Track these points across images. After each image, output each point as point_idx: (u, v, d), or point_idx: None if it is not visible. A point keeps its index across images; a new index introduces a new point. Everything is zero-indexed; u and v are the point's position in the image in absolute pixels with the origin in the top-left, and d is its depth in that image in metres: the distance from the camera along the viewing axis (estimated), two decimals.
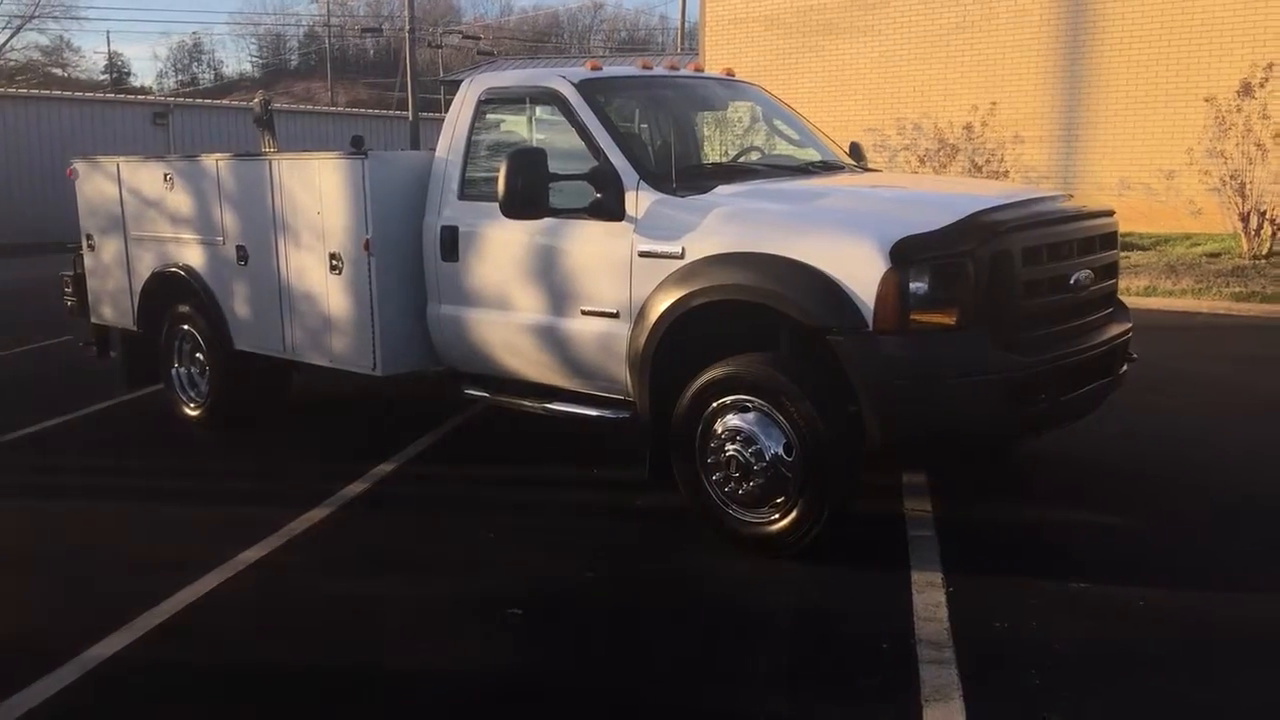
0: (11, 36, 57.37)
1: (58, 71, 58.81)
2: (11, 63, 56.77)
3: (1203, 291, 11.33)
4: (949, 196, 5.16)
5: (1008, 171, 15.28)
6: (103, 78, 62.29)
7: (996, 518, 5.00)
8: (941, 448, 5.01)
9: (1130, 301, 5.75)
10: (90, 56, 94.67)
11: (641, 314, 4.77)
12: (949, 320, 4.21)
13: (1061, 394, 4.50)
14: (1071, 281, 4.64)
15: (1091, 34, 15.57)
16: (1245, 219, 13.01)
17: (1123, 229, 5.28)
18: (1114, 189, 14.87)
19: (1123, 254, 5.45)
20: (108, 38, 74.91)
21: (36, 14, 56.93)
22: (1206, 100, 13.46)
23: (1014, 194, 5.13)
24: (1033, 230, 4.50)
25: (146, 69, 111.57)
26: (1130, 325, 5.18)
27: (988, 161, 15.18)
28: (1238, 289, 11.23)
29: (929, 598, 4.06)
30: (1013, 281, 4.34)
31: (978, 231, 4.32)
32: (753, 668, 3.62)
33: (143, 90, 60.89)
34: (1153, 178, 14.94)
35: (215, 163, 6.59)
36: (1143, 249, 13.75)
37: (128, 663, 3.78)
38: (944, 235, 4.27)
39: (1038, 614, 3.90)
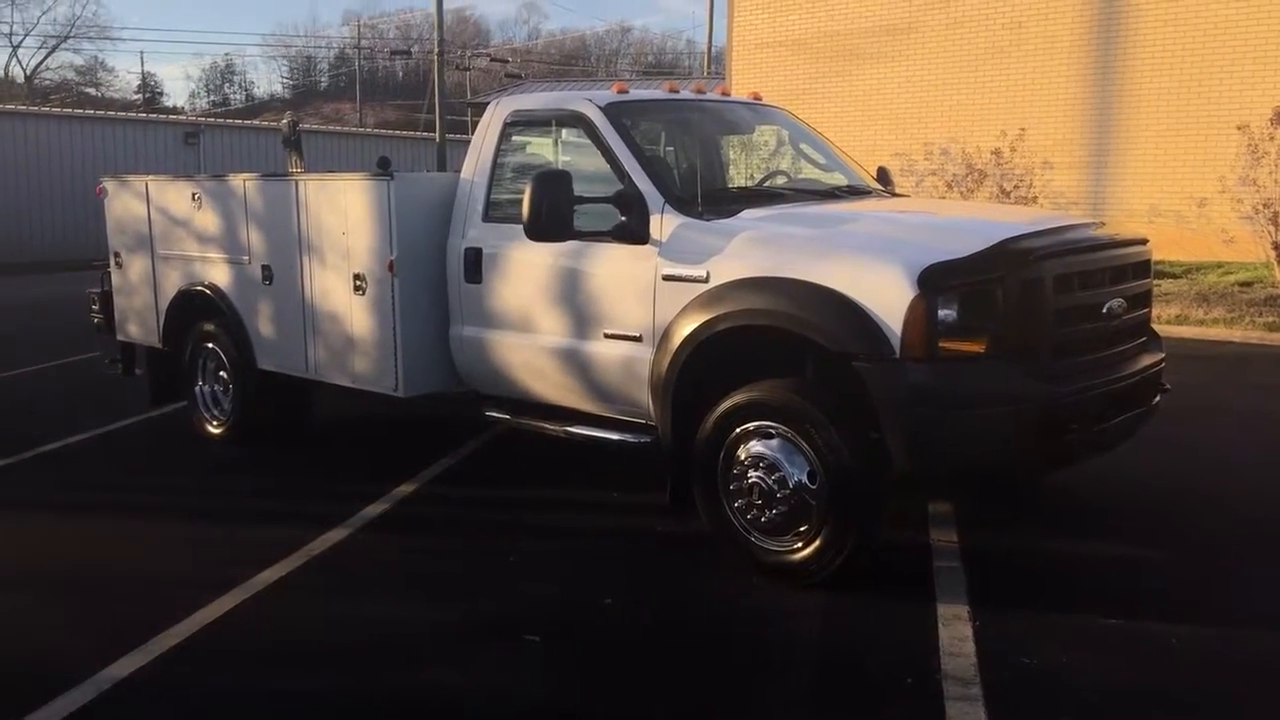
0: (47, 56, 58.42)
1: (92, 91, 59.73)
2: (47, 82, 57.76)
3: (1235, 321, 11.18)
4: (978, 222, 5.10)
5: (1036, 197, 15.15)
6: (136, 97, 63.15)
7: (1025, 549, 4.91)
8: (969, 478, 4.93)
9: (1161, 330, 5.65)
10: (124, 76, 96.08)
11: (665, 338, 4.73)
12: (978, 348, 4.15)
13: (1092, 424, 4.42)
14: (1103, 310, 4.56)
15: (1122, 60, 15.48)
16: (1278, 248, 12.85)
17: (1153, 256, 5.20)
18: (1144, 216, 14.72)
19: (1154, 282, 5.36)
20: (141, 58, 76.11)
21: (72, 34, 58.05)
22: (1239, 128, 13.31)
23: (1045, 220, 5.07)
24: (1064, 257, 4.43)
25: (179, 89, 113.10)
26: (1163, 355, 5.09)
27: (1016, 187, 15.06)
28: (1271, 319, 11.06)
29: (955, 631, 3.98)
30: (1044, 309, 4.27)
31: (1008, 258, 4.26)
32: (773, 699, 3.54)
33: (175, 110, 61.66)
34: (1184, 205, 14.78)
35: (242, 182, 6.62)
36: (1174, 277, 13.59)
37: (144, 683, 3.75)
38: (973, 262, 4.21)
39: (1067, 650, 3.81)
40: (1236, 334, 10.85)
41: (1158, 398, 5.00)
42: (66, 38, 58.59)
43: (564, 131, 5.59)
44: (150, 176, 7.53)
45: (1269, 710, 3.43)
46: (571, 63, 68.59)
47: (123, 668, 3.83)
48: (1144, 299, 5.01)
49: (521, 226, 4.94)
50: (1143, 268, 4.97)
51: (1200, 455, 6.32)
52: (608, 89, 5.64)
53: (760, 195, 5.55)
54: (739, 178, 6.67)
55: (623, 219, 4.93)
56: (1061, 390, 4.28)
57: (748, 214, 4.89)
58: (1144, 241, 5.05)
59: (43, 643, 4.15)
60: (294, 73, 77.83)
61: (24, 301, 16.14)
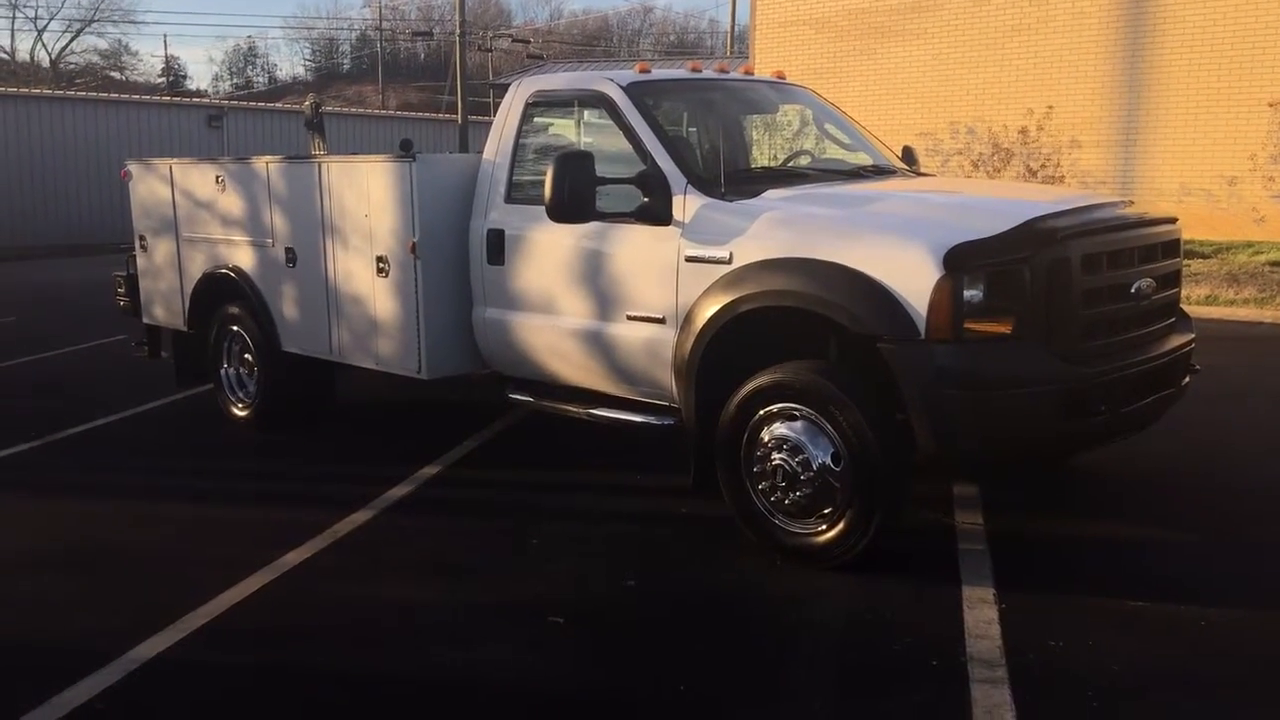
0: (71, 40, 58.79)
1: (116, 75, 60.03)
2: (71, 66, 58.13)
3: (1266, 301, 11.04)
4: (1005, 202, 5.04)
5: (1064, 177, 15.02)
6: (160, 81, 63.41)
7: (1051, 532, 4.87)
8: (994, 460, 4.89)
9: (1190, 311, 5.58)
10: (148, 60, 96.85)
11: (688, 320, 4.71)
12: (1004, 329, 4.11)
13: (1121, 405, 4.37)
14: (1132, 290, 4.50)
15: (1151, 36, 15.26)
16: None
17: (1183, 236, 5.13)
18: (1174, 195, 14.55)
19: (1184, 262, 5.29)
20: (165, 41, 75.99)
21: (95, 18, 58.39)
22: (1270, 105, 13.14)
23: (1072, 200, 5.00)
24: (1092, 237, 4.38)
25: (202, 72, 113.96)
26: (1193, 336, 5.03)
27: (1043, 166, 14.94)
28: None
29: (981, 614, 3.95)
30: (1071, 289, 4.22)
31: (1035, 238, 4.21)
32: (797, 683, 3.54)
33: (198, 93, 61.87)
34: (1214, 184, 14.59)
35: (265, 165, 6.63)
36: (1204, 257, 13.42)
37: (171, 663, 3.79)
38: (1000, 241, 4.16)
39: (1094, 633, 3.78)
40: (1268, 315, 10.72)
41: (1187, 379, 4.94)
42: (91, 21, 58.87)
43: (586, 112, 5.56)
44: (174, 159, 7.56)
45: None
46: (594, 43, 68.30)
47: (150, 648, 3.87)
48: (1173, 279, 4.94)
49: (544, 208, 4.93)
50: (1172, 247, 4.90)
51: (1230, 437, 6.25)
52: (630, 69, 5.60)
53: (784, 175, 5.50)
54: (762, 158, 6.62)
55: (645, 200, 4.90)
56: (1089, 371, 4.24)
57: (771, 194, 4.85)
58: (1173, 220, 4.98)
59: (71, 623, 4.19)
60: (316, 55, 77.91)
61: (49, 284, 16.28)
